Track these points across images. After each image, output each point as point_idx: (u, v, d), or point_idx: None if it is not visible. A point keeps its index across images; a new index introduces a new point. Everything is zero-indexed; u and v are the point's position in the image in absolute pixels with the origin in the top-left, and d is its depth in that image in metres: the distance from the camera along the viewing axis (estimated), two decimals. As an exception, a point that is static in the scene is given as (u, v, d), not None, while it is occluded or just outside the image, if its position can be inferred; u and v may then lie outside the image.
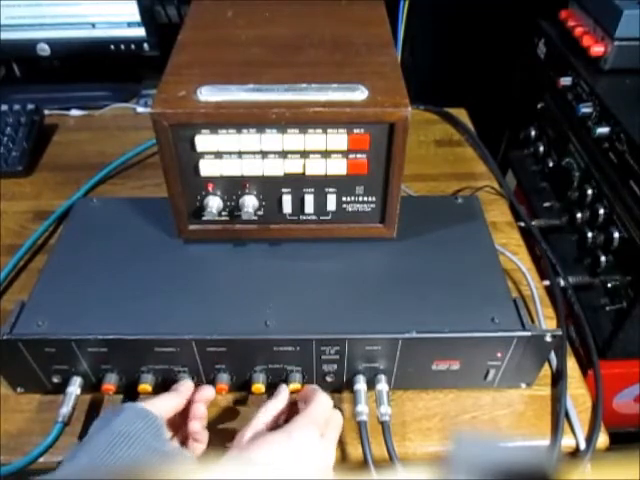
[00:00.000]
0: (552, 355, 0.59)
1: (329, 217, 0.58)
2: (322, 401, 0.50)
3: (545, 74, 0.98)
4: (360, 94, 0.50)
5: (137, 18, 0.97)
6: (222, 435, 0.53)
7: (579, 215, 0.84)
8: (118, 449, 0.43)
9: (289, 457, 0.44)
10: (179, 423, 0.52)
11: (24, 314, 0.52)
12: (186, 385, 0.53)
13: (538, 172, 1.03)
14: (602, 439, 0.54)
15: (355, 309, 0.53)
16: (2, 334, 0.49)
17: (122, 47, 0.99)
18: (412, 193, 0.77)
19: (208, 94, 0.50)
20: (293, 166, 0.53)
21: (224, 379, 0.53)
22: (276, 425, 0.48)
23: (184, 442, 0.51)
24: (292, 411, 0.51)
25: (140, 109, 0.98)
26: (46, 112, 0.94)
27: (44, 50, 0.98)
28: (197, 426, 0.50)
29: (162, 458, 0.44)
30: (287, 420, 0.48)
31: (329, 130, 0.51)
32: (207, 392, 0.53)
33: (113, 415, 0.46)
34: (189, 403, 0.52)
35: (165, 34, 0.91)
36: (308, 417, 0.48)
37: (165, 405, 0.50)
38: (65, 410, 0.51)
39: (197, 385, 0.54)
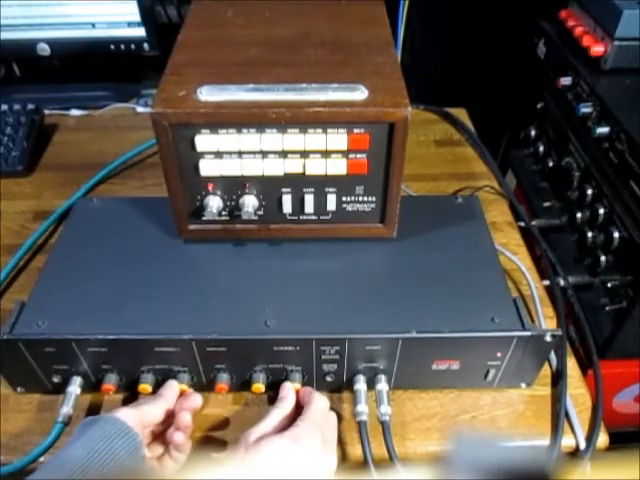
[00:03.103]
0: (552, 355, 0.59)
1: (329, 217, 0.58)
2: (320, 403, 0.50)
3: (545, 74, 0.98)
4: (360, 94, 0.50)
5: (137, 18, 0.97)
6: (221, 435, 0.53)
7: (579, 215, 0.84)
8: (92, 468, 0.42)
9: (294, 463, 0.44)
10: (162, 429, 0.51)
11: (24, 314, 0.52)
12: (171, 389, 0.52)
13: (538, 172, 1.03)
14: (602, 439, 0.54)
15: (355, 309, 0.53)
16: (2, 334, 0.49)
17: (122, 47, 0.99)
18: (412, 193, 0.77)
19: (208, 94, 0.50)
20: (293, 166, 0.53)
21: (224, 379, 0.53)
22: (282, 428, 0.48)
23: (166, 449, 0.50)
24: (295, 413, 0.51)
25: (140, 109, 0.98)
26: (46, 112, 0.94)
27: (44, 50, 0.98)
28: (180, 437, 0.48)
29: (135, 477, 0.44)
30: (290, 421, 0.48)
31: (329, 130, 0.51)
32: (194, 401, 0.52)
33: (92, 425, 0.45)
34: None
35: (165, 34, 0.91)
36: (312, 422, 0.47)
37: (153, 412, 0.49)
38: (65, 410, 0.51)
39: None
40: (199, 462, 0.50)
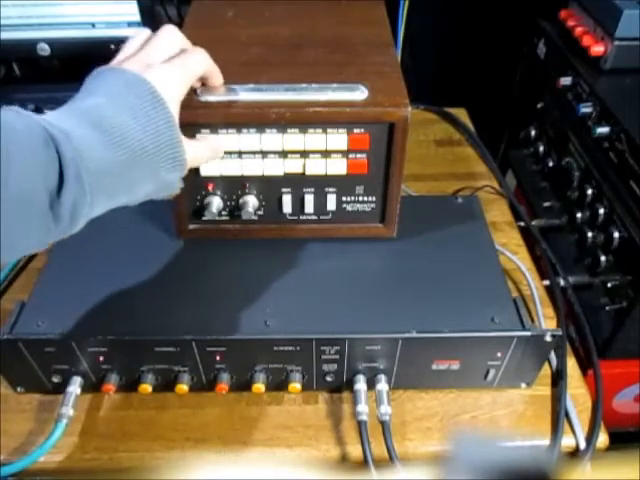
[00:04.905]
0: (552, 355, 0.59)
1: (329, 217, 0.58)
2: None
3: (545, 74, 0.98)
4: (360, 94, 0.50)
5: (137, 18, 0.97)
6: (221, 435, 0.53)
7: (579, 215, 0.84)
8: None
9: None
10: None
11: (24, 314, 0.52)
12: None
13: (538, 172, 1.03)
14: (602, 439, 0.54)
15: (355, 309, 0.53)
16: (2, 334, 0.49)
17: (122, 47, 0.99)
18: (412, 193, 0.77)
19: (208, 94, 0.50)
20: (293, 166, 0.53)
21: (224, 379, 0.53)
22: None
23: None
24: None
25: (140, 109, 0.97)
26: (46, 112, 0.94)
27: (44, 50, 0.98)
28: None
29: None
30: None
31: (329, 130, 0.51)
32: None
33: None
34: None
35: (165, 34, 0.91)
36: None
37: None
38: (65, 410, 0.51)
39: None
40: (199, 462, 0.50)
